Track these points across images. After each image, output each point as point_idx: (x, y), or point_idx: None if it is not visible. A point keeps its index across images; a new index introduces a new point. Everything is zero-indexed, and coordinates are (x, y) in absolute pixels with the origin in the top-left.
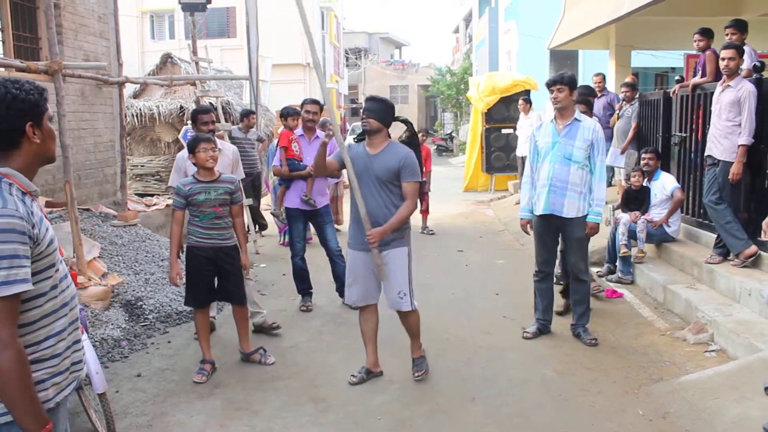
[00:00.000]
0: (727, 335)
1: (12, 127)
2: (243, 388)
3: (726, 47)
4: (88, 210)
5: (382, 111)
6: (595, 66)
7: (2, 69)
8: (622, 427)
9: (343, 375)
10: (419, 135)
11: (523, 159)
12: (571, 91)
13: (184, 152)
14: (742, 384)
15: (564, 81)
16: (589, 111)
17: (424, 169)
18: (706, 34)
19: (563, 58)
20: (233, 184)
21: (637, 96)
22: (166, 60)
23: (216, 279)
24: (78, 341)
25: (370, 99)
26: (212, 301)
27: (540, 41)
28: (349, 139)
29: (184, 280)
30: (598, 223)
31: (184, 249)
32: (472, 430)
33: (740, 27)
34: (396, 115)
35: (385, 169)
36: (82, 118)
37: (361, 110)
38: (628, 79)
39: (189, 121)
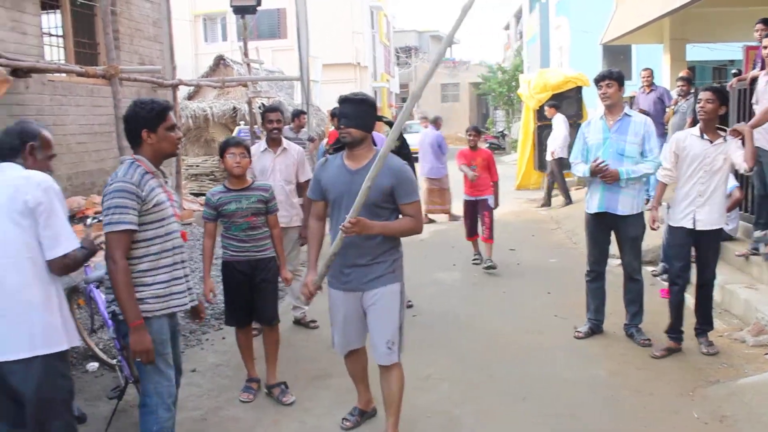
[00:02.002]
0: None
1: (135, 131)
2: (294, 386)
3: None
4: None
5: (362, 114)
6: (650, 60)
7: (64, 74)
8: (675, 429)
9: None
10: (469, 135)
11: (557, 161)
12: (620, 87)
13: (255, 147)
14: None
15: (613, 76)
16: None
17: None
18: None
19: (616, 53)
20: (267, 191)
21: (692, 91)
22: (219, 62)
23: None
24: (179, 278)
25: (345, 101)
26: (252, 321)
27: (592, 36)
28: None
29: (218, 296)
30: (619, 174)
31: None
32: (522, 430)
33: None
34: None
35: (376, 189)
36: None
37: (333, 115)
38: (682, 73)
39: (241, 122)
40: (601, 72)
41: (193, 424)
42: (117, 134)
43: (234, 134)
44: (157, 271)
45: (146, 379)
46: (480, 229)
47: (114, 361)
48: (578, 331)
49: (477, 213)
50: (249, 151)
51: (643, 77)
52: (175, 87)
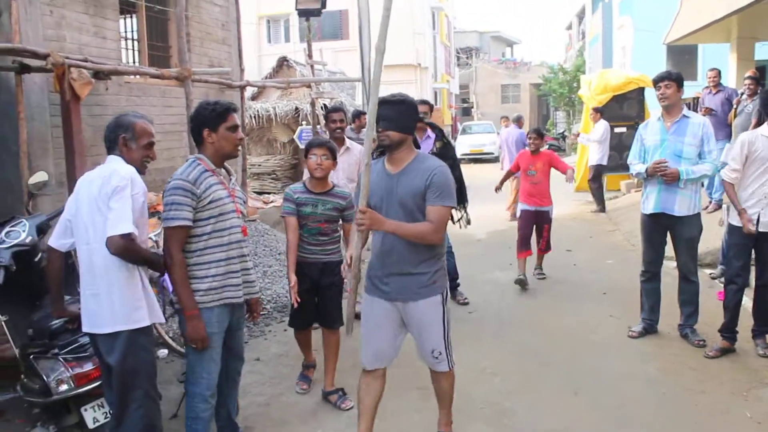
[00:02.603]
0: None
1: (197, 130)
2: (353, 374)
3: None
4: None
5: (401, 116)
6: (716, 60)
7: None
8: (726, 427)
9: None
10: (530, 138)
11: (594, 167)
12: (679, 88)
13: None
14: None
15: (672, 77)
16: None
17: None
18: None
19: (681, 53)
20: (345, 199)
21: (759, 90)
22: (282, 63)
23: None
24: (235, 272)
25: (384, 103)
26: (314, 323)
27: (656, 36)
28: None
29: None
30: (680, 173)
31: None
32: (572, 421)
33: None
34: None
35: (410, 194)
36: None
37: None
38: (749, 73)
39: (303, 122)
40: (659, 73)
41: (257, 408)
42: (188, 133)
43: (296, 135)
44: (211, 265)
45: (190, 369)
46: (535, 240)
47: (183, 348)
48: (632, 331)
49: (533, 225)
50: (334, 154)
51: (710, 78)
52: (242, 88)
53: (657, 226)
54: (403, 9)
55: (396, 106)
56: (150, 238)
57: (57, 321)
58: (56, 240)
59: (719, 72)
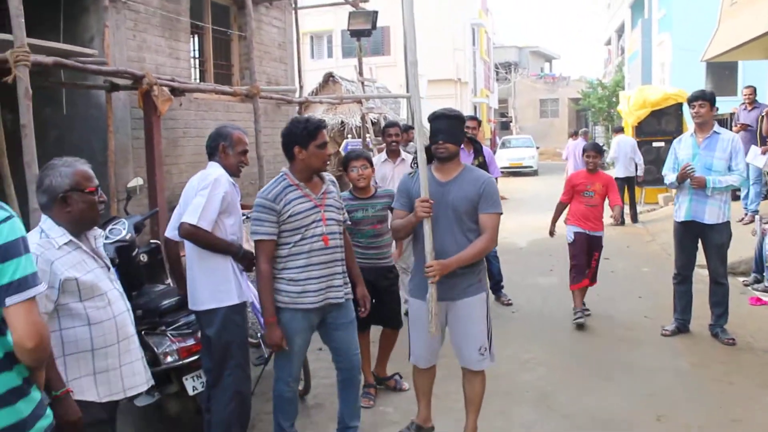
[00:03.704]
0: None
1: (289, 146)
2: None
3: None
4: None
5: (455, 130)
6: (757, 75)
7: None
8: (749, 412)
9: (500, 353)
10: (588, 156)
11: (621, 180)
12: (712, 107)
13: (377, 158)
14: None
15: (706, 97)
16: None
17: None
18: None
19: (721, 70)
20: (392, 197)
21: None
22: (328, 78)
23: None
24: (314, 278)
25: (440, 117)
26: (371, 325)
27: (695, 53)
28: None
29: None
30: (706, 182)
31: None
32: (606, 403)
33: None
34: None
35: (463, 199)
36: (265, 133)
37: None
38: None
39: (349, 135)
40: (693, 93)
41: (325, 388)
42: (256, 145)
43: (341, 147)
44: (292, 271)
45: (276, 357)
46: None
47: (256, 340)
48: (665, 330)
49: (588, 250)
50: (371, 162)
51: (745, 95)
52: (301, 104)
53: (688, 233)
54: (445, 26)
55: (452, 120)
56: None
57: (165, 302)
58: (170, 231)
59: (755, 89)
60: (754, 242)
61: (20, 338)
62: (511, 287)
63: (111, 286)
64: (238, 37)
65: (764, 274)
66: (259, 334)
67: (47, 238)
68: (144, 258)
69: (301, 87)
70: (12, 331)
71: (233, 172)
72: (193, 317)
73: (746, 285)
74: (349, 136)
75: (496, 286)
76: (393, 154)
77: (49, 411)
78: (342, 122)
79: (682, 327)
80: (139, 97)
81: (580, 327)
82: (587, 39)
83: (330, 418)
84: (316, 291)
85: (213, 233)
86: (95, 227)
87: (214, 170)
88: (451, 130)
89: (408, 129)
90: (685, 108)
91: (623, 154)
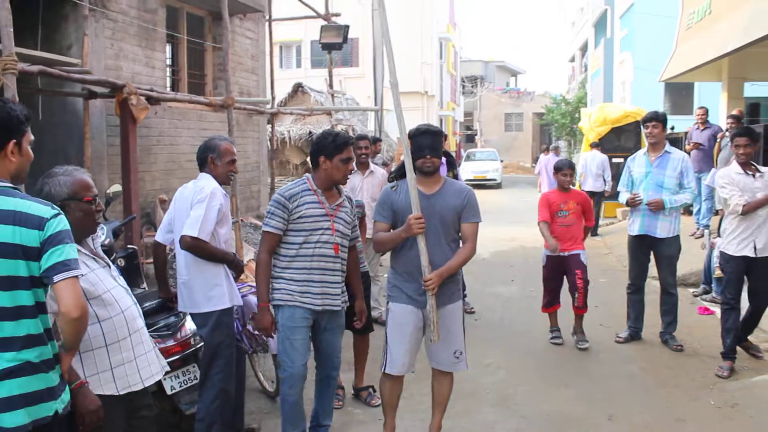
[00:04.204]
0: None
1: (316, 155)
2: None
3: None
4: (241, 221)
5: (439, 145)
6: (710, 96)
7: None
8: (692, 411)
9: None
10: (564, 175)
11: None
12: (664, 128)
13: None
14: None
15: (659, 118)
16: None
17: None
18: None
19: (678, 89)
20: (362, 207)
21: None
22: (297, 89)
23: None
24: (314, 282)
25: (424, 133)
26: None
27: (655, 74)
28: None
29: None
30: (663, 203)
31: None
32: (563, 407)
33: None
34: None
35: (450, 210)
36: (236, 143)
37: (396, 146)
38: (734, 112)
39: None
40: (647, 114)
41: None
42: None
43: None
44: (295, 271)
45: (279, 360)
46: (573, 295)
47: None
48: (619, 337)
49: (563, 273)
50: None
51: (698, 115)
52: (273, 115)
53: (641, 246)
54: (413, 40)
55: (436, 136)
56: None
57: (145, 305)
58: (161, 236)
59: (707, 110)
60: (703, 255)
61: (68, 309)
62: (473, 296)
63: (114, 283)
64: (212, 47)
65: (712, 285)
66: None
67: None
68: (122, 262)
69: (273, 98)
70: (60, 304)
71: (223, 181)
72: (172, 319)
73: (696, 296)
74: None
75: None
76: (362, 166)
77: (68, 389)
78: (310, 133)
79: (635, 334)
80: (116, 105)
81: (557, 343)
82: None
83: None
84: (316, 294)
85: (210, 244)
86: (95, 232)
87: (208, 182)
88: (434, 145)
89: (376, 141)
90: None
91: (595, 169)
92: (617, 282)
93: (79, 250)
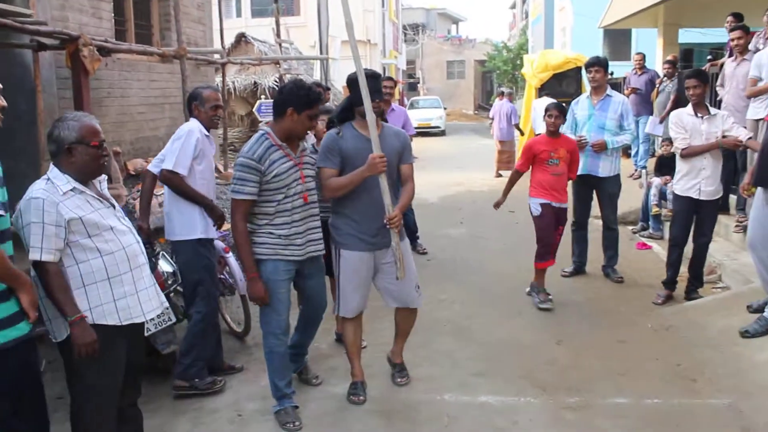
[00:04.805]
0: (730, 274)
1: (282, 106)
2: None
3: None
4: None
5: (384, 89)
6: (648, 43)
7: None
8: (632, 333)
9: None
10: (550, 115)
11: None
12: (606, 72)
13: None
14: (732, 305)
15: (601, 63)
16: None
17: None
18: (738, 17)
19: (617, 36)
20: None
21: (677, 73)
22: (240, 39)
23: None
24: (299, 233)
25: (370, 77)
26: None
27: (594, 20)
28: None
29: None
30: (605, 143)
31: None
32: (516, 333)
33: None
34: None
35: (393, 151)
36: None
37: (346, 89)
38: (669, 57)
39: (262, 96)
40: (590, 59)
41: None
42: (184, 105)
43: (255, 108)
44: (275, 226)
45: (262, 312)
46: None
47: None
48: (564, 271)
49: (558, 224)
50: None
51: (636, 60)
52: (223, 65)
53: (585, 185)
54: None
55: (379, 80)
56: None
57: None
58: (152, 166)
59: (644, 56)
60: (641, 195)
61: None
62: (425, 237)
63: (118, 222)
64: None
65: (649, 222)
66: None
67: (52, 185)
68: None
69: (223, 48)
70: None
71: (208, 125)
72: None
73: (634, 233)
74: (263, 96)
75: (412, 237)
76: None
77: (22, 325)
78: (255, 83)
79: (579, 268)
80: (67, 56)
81: (548, 308)
82: (493, 2)
83: None
84: (300, 245)
85: (187, 182)
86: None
87: (189, 123)
88: (380, 89)
89: (326, 90)
90: (584, 71)
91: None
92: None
93: (82, 192)
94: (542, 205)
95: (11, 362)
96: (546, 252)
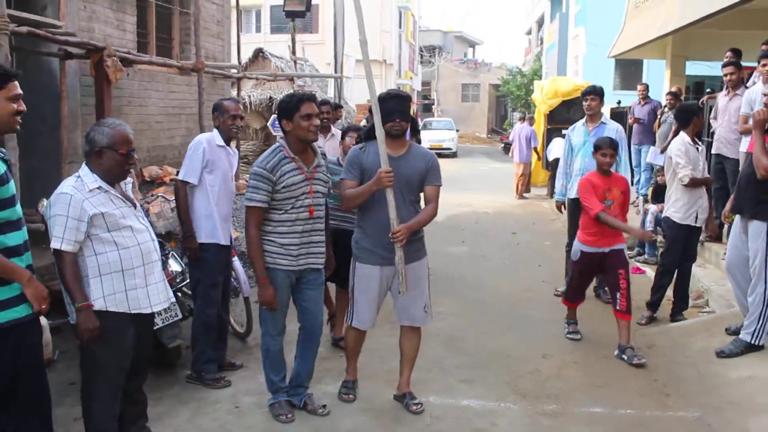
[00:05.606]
0: (716, 299)
1: (280, 123)
2: None
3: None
4: None
5: (407, 109)
6: (658, 73)
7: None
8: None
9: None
10: (603, 155)
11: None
12: (601, 101)
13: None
14: (713, 327)
15: (596, 92)
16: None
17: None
18: (736, 52)
19: (628, 65)
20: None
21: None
22: (258, 54)
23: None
24: (294, 245)
25: (394, 97)
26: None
27: (605, 49)
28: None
29: None
30: None
31: None
32: (504, 345)
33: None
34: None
35: (414, 172)
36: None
37: (366, 111)
38: (673, 89)
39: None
40: (586, 88)
41: None
42: (199, 116)
43: (269, 122)
44: (277, 235)
45: (261, 314)
46: (614, 297)
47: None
48: (557, 290)
49: (597, 270)
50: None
51: (639, 91)
52: (239, 79)
53: (579, 208)
54: (372, 7)
55: (405, 101)
56: (165, 197)
57: None
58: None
59: (647, 86)
60: (638, 220)
61: None
62: (428, 254)
63: (137, 220)
64: (179, 12)
65: (645, 248)
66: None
67: (81, 182)
68: None
69: (240, 63)
70: None
71: (226, 134)
72: None
73: (630, 257)
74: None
75: None
76: (324, 129)
77: (20, 308)
78: (270, 98)
79: None
80: (92, 66)
81: (573, 335)
82: (510, 27)
83: None
84: (296, 256)
85: (195, 192)
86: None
87: (199, 135)
88: (403, 110)
89: (338, 107)
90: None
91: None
92: (561, 245)
93: (107, 191)
94: (583, 252)
95: (9, 343)
96: (575, 295)
